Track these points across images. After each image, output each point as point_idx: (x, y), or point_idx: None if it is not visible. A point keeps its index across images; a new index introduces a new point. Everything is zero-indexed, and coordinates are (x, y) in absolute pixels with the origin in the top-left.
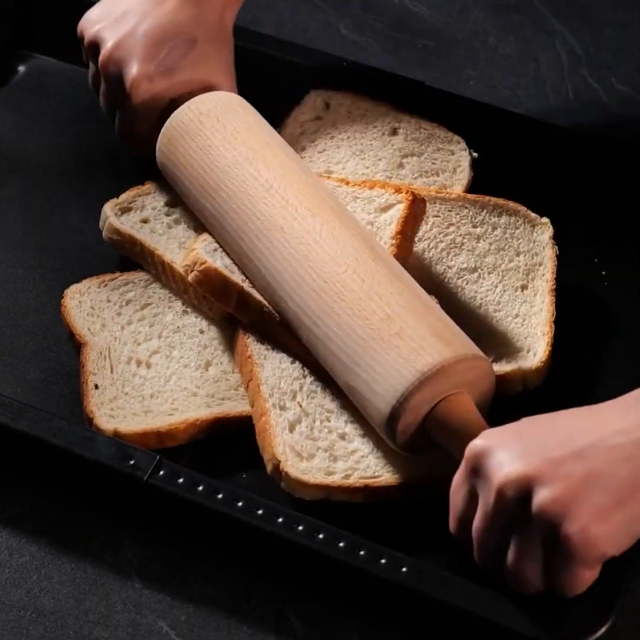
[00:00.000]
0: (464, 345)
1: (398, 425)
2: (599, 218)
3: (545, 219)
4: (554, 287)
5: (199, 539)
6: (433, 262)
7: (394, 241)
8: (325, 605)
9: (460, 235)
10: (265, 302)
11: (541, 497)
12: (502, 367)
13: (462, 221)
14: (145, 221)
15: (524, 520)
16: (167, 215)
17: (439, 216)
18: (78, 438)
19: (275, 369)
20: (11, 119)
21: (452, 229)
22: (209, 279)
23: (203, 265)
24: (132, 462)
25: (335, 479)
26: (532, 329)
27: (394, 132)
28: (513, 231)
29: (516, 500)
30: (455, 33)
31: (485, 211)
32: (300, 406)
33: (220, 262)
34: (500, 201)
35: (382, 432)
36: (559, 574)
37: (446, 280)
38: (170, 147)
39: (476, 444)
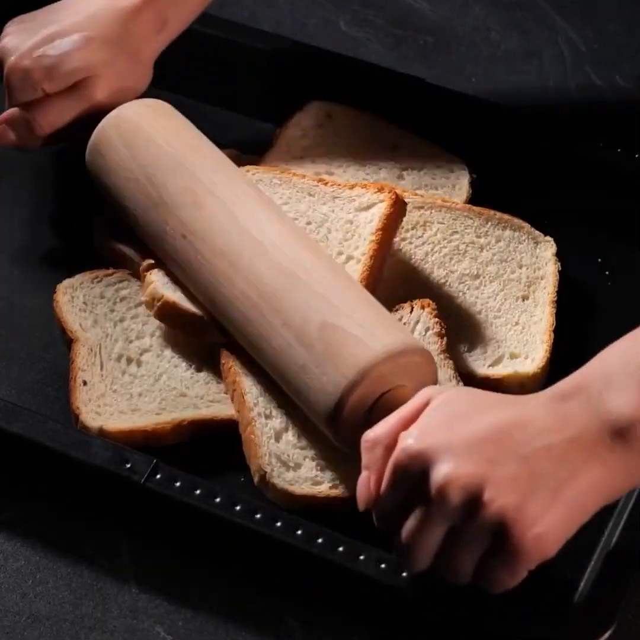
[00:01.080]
0: (396, 339)
1: (339, 423)
2: (603, 216)
3: (548, 237)
4: (555, 299)
5: (196, 542)
6: (435, 265)
7: (374, 237)
8: (325, 610)
9: (463, 243)
10: (229, 329)
11: (490, 498)
12: (499, 371)
13: (466, 230)
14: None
15: (468, 520)
16: None
17: (444, 223)
18: (73, 441)
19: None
20: None
21: (456, 236)
22: (170, 313)
23: (161, 300)
24: (128, 465)
25: (322, 489)
26: (531, 337)
27: (395, 148)
28: (516, 245)
29: (462, 502)
30: (457, 29)
31: (489, 224)
32: (286, 415)
33: (180, 293)
34: (505, 216)
35: (327, 429)
36: (499, 572)
37: (448, 283)
38: (100, 159)
39: (409, 444)
